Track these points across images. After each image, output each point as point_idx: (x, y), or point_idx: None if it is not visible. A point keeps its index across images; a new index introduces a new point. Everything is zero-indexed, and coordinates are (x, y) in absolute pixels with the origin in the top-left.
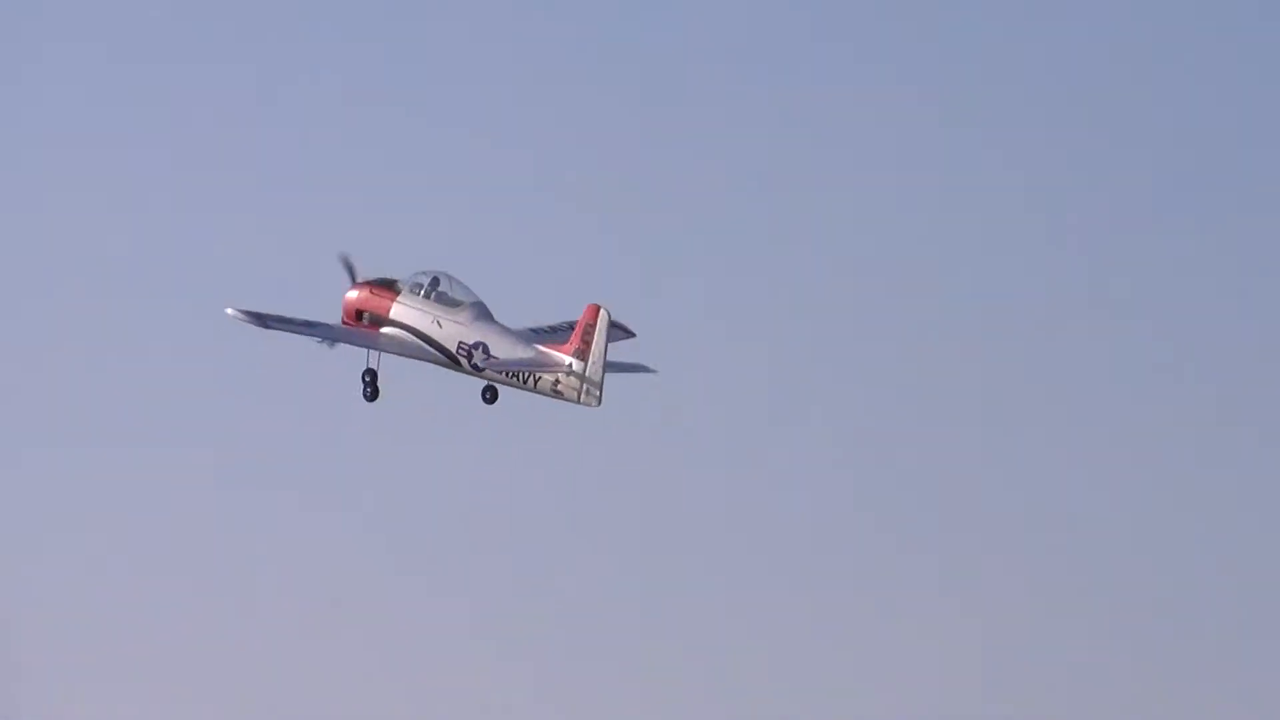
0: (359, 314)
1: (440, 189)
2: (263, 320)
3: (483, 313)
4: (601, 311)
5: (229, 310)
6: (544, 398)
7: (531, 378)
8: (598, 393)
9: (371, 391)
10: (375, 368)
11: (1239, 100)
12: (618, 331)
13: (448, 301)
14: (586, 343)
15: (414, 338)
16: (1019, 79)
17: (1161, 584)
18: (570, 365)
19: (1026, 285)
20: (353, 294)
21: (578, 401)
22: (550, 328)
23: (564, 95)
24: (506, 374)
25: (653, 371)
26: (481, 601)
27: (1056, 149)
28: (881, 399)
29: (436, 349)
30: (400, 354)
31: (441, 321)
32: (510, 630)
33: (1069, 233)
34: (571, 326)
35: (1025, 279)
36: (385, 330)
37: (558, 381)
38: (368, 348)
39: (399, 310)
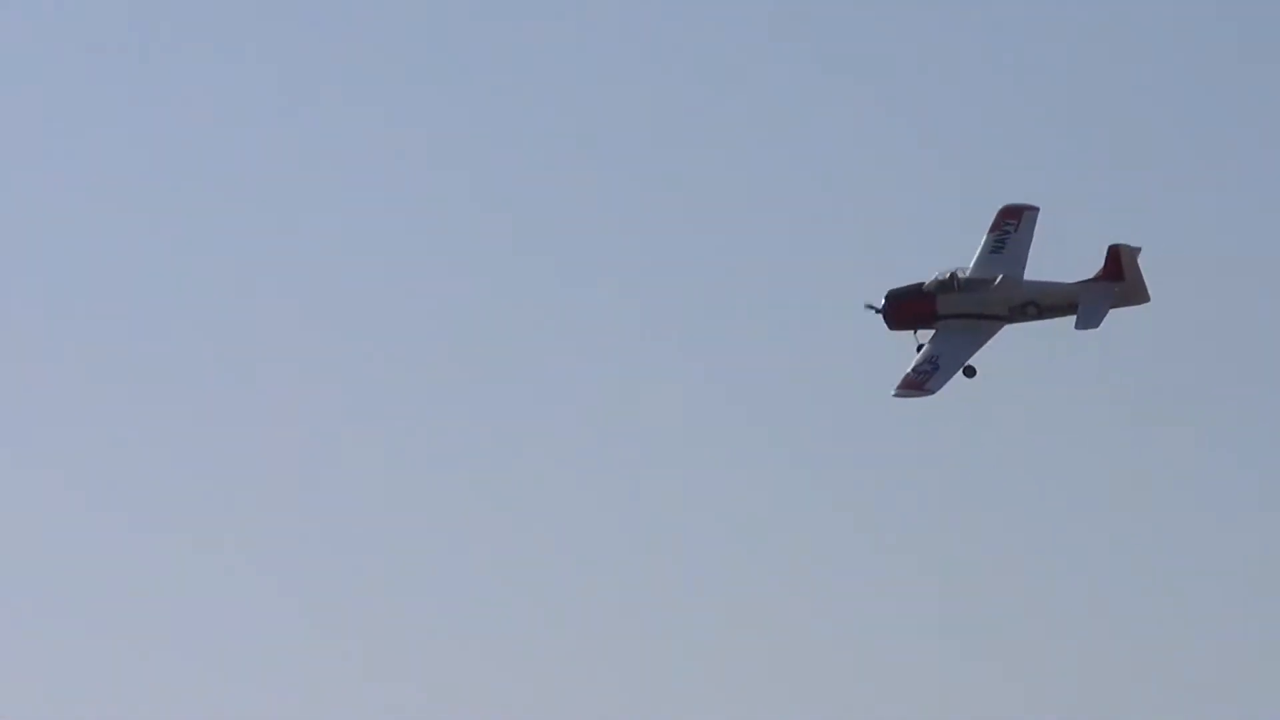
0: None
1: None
2: (923, 386)
3: (1010, 278)
4: (1122, 249)
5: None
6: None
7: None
8: (1147, 293)
9: (971, 371)
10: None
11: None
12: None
13: (976, 286)
14: (1117, 272)
15: (977, 320)
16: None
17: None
18: (1116, 289)
19: None
20: (894, 311)
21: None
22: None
23: None
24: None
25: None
26: None
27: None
28: None
29: (998, 319)
30: (990, 337)
31: (987, 300)
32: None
33: None
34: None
35: None
36: (945, 323)
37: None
38: (975, 348)
39: (945, 306)
